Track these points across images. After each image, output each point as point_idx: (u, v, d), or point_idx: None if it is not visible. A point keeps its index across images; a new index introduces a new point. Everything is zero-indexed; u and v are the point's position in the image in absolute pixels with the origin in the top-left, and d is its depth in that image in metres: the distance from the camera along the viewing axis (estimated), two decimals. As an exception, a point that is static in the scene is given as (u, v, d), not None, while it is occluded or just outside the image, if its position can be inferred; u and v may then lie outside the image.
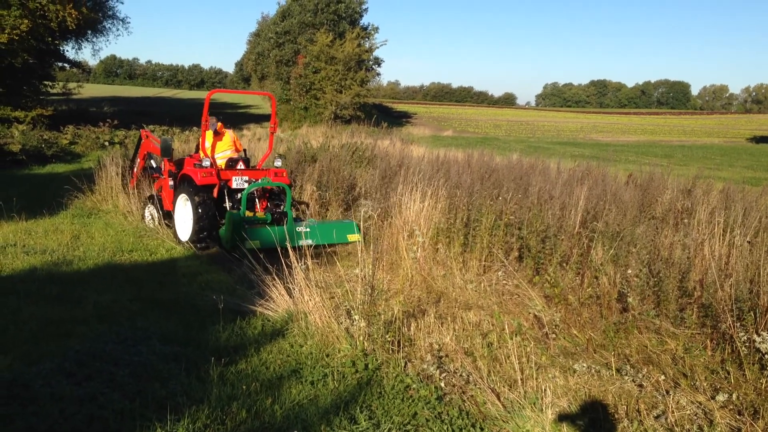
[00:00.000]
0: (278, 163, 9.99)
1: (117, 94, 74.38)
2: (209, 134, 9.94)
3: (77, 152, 22.15)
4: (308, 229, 9.05)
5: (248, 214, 9.26)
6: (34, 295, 6.32)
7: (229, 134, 10.29)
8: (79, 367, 4.35)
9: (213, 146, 9.95)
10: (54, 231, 9.51)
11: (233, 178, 9.38)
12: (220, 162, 9.82)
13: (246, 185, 9.37)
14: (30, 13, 21.55)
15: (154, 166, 11.23)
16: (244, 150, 10.43)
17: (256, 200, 9.68)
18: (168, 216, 9.92)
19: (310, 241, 8.50)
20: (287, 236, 8.52)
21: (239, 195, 9.30)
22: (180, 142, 20.58)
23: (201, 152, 9.83)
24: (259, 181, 9.41)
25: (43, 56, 27.84)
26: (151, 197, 10.59)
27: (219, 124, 10.09)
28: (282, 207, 9.54)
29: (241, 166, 9.74)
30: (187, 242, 9.11)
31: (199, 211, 8.83)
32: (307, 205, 10.59)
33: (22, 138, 20.53)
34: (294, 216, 9.58)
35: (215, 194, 9.25)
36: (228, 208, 9.28)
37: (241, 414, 3.96)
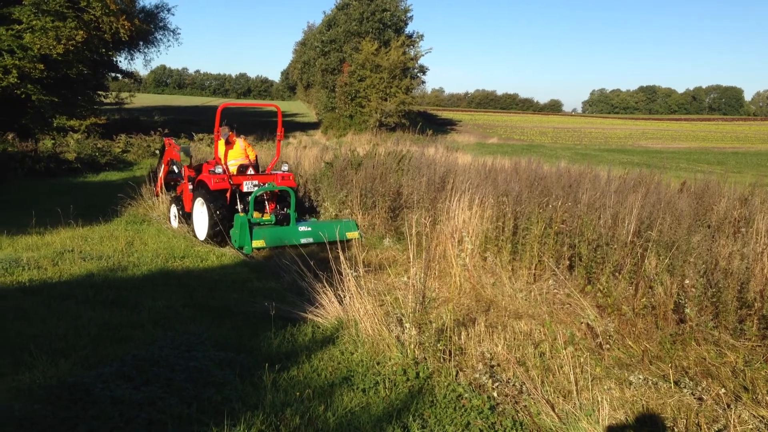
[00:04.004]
0: (285, 167, 10.72)
1: (167, 103, 76.06)
2: (221, 143, 10.63)
3: (129, 160, 22.75)
4: (309, 229, 9.87)
5: (257, 215, 10.02)
6: (91, 300, 6.50)
7: (239, 142, 10.92)
8: (138, 371, 4.43)
9: (225, 154, 10.60)
10: (109, 237, 9.77)
11: (244, 182, 10.19)
12: (232, 168, 10.54)
13: (256, 189, 10.10)
14: (85, 25, 22.19)
15: (176, 171, 12.19)
16: (257, 156, 11.23)
17: (266, 202, 10.43)
18: (188, 216, 10.75)
19: (311, 239, 9.63)
20: (290, 235, 9.52)
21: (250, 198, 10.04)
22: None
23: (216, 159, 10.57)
24: (266, 185, 10.15)
25: (97, 67, 28.62)
26: (175, 198, 11.50)
27: (230, 133, 10.74)
28: (286, 209, 10.24)
29: (250, 171, 10.62)
30: (205, 240, 9.91)
31: (213, 213, 9.65)
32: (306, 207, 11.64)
33: (77, 146, 21.17)
34: (297, 217, 10.27)
35: (228, 198, 10.02)
36: (239, 210, 10.02)
37: (294, 420, 3.98)
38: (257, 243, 9.34)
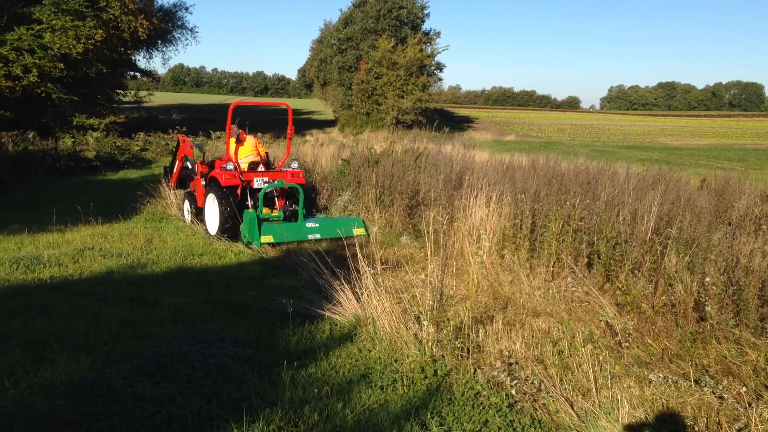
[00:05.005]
0: (294, 165, 10.93)
1: (185, 101, 76.49)
2: (232, 141, 10.79)
3: (148, 158, 22.94)
4: (317, 225, 10.08)
5: (266, 211, 10.21)
6: (111, 297, 6.55)
7: (250, 140, 11.09)
8: (158, 368, 4.47)
9: (236, 151, 10.76)
10: (128, 235, 9.85)
11: (255, 179, 10.33)
12: (244, 165, 10.67)
13: (265, 185, 10.28)
14: (104, 24, 22.41)
15: (190, 167, 12.36)
16: (267, 153, 11.40)
17: (276, 199, 10.61)
18: (200, 212, 10.92)
19: (318, 236, 9.86)
20: (297, 232, 9.79)
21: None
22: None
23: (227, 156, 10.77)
24: (275, 182, 10.31)
25: (116, 66, 28.84)
26: (188, 194, 11.68)
27: (240, 132, 10.94)
28: (295, 205, 10.40)
29: (261, 168, 10.75)
30: (216, 234, 10.05)
31: (224, 209, 9.82)
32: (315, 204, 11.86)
33: (97, 145, 21.37)
34: (306, 213, 10.45)
35: (239, 194, 10.19)
36: (250, 206, 10.20)
37: (313, 417, 4.00)
38: (265, 238, 9.53)
